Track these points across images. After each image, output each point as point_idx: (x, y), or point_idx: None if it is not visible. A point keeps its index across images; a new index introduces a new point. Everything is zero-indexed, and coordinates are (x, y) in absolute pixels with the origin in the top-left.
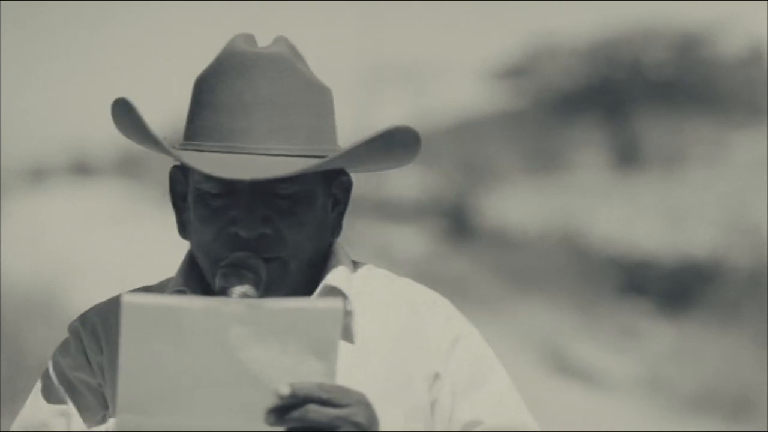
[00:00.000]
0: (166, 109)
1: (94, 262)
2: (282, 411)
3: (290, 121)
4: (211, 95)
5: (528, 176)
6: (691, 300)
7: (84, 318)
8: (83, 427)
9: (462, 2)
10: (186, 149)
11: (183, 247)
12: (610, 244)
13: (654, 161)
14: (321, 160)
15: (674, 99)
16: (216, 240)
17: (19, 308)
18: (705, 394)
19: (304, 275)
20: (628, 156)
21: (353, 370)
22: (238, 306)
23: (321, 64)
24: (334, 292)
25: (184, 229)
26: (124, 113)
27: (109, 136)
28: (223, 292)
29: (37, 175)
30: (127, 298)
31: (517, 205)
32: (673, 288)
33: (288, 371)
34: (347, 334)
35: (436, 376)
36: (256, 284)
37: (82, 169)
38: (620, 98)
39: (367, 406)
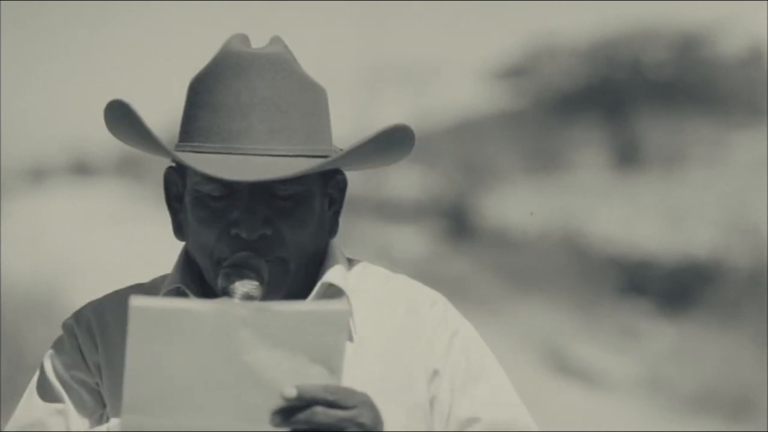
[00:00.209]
0: (166, 109)
1: (94, 262)
2: (288, 413)
3: (289, 122)
4: (209, 96)
5: (528, 176)
6: (691, 300)
7: (78, 316)
8: (81, 425)
9: (462, 2)
10: (183, 151)
11: (182, 247)
12: (610, 244)
13: (654, 161)
14: (324, 161)
15: (674, 99)
16: (217, 242)
17: (19, 308)
18: (705, 394)
19: (303, 275)
20: (628, 156)
21: (351, 369)
22: (244, 309)
23: (321, 64)
24: (331, 289)
25: (180, 231)
26: (122, 116)
27: (109, 137)
28: (226, 291)
29: (37, 175)
30: (134, 302)
31: (517, 205)
32: (673, 288)
33: (294, 373)
34: None
35: (435, 372)
36: (259, 284)
37: (82, 169)
38: (620, 98)
39: (372, 407)
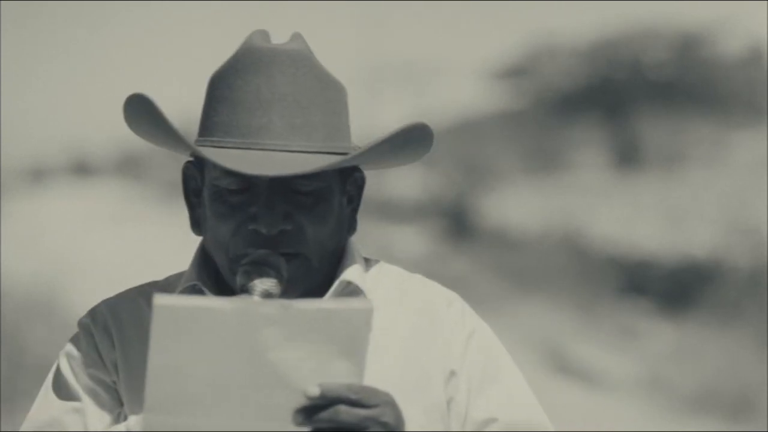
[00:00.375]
0: (166, 109)
1: (94, 262)
2: (311, 411)
3: (308, 118)
4: (229, 91)
5: (528, 176)
6: (691, 300)
7: (94, 314)
8: (98, 424)
9: (462, 2)
10: (203, 145)
11: (182, 246)
12: (610, 244)
13: (654, 161)
14: (343, 157)
15: (674, 99)
16: (234, 236)
17: (19, 308)
18: (705, 394)
19: (322, 272)
20: (628, 156)
21: (367, 368)
22: (269, 307)
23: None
24: (349, 287)
25: (197, 226)
26: (143, 110)
27: (109, 136)
28: (245, 289)
29: (37, 175)
30: (158, 300)
31: (517, 205)
32: (673, 288)
33: (317, 372)
34: None
35: (452, 373)
36: (278, 282)
37: (82, 169)
38: (620, 98)
39: (394, 407)
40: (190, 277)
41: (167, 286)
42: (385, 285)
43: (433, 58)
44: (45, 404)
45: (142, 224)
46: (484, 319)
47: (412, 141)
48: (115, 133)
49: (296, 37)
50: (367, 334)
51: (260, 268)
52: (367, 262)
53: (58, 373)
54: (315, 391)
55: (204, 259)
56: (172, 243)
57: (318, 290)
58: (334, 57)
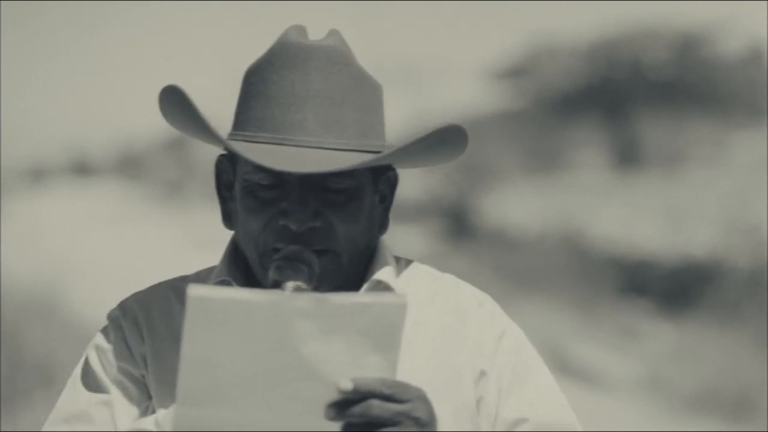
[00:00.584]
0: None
1: (94, 262)
2: (343, 406)
3: (342, 116)
4: (264, 86)
5: (528, 176)
6: (691, 300)
7: (124, 307)
8: (126, 417)
9: (462, 2)
10: (236, 139)
11: (182, 246)
12: (610, 244)
13: (654, 161)
14: (376, 156)
15: (674, 99)
16: (264, 231)
17: (19, 308)
18: (705, 394)
19: (353, 270)
20: (628, 156)
21: (399, 366)
22: (302, 300)
23: None
24: (380, 286)
25: (228, 219)
26: (177, 103)
27: (109, 136)
28: (276, 284)
29: (37, 175)
30: (192, 291)
31: (517, 205)
32: (673, 288)
33: (350, 366)
34: None
35: (483, 373)
36: (310, 278)
37: (82, 169)
38: (620, 98)
39: (426, 402)
40: (221, 272)
41: (197, 280)
42: (417, 285)
43: (433, 58)
44: (73, 396)
45: (142, 224)
46: None
47: (445, 142)
48: (115, 133)
49: (333, 33)
50: (401, 328)
51: (292, 264)
52: (399, 262)
53: (87, 366)
54: (348, 385)
55: (235, 254)
56: (172, 243)
57: (349, 289)
58: None
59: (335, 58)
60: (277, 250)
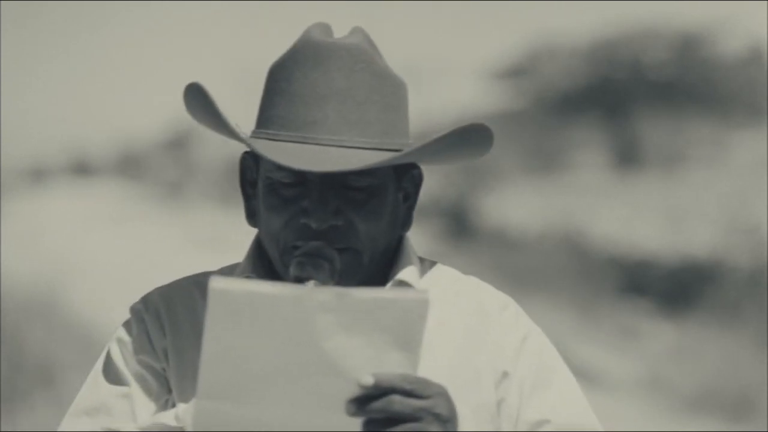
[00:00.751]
0: (166, 109)
1: (94, 262)
2: (364, 401)
3: (364, 114)
4: (286, 84)
5: (528, 176)
6: (691, 300)
7: (146, 301)
8: (146, 410)
9: (462, 2)
10: (259, 137)
11: (182, 246)
12: (610, 244)
13: (654, 161)
14: (396, 154)
15: (674, 99)
16: (285, 228)
17: (19, 308)
18: (705, 394)
19: (375, 268)
20: (628, 156)
21: (420, 365)
22: (325, 294)
23: None
24: (403, 287)
25: (252, 216)
26: (198, 99)
27: (109, 136)
28: (298, 280)
29: (37, 175)
30: (214, 284)
31: (517, 205)
32: (673, 288)
33: (371, 361)
34: None
35: (505, 374)
36: (331, 274)
37: (82, 169)
38: (620, 98)
39: (448, 399)
40: (245, 269)
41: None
42: (440, 285)
43: (434, 58)
44: (93, 388)
45: (142, 224)
46: None
47: (469, 142)
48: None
49: (356, 31)
50: (423, 325)
51: (314, 260)
52: (422, 262)
53: (108, 358)
54: (369, 380)
55: (259, 251)
56: (172, 243)
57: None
58: None
59: (358, 56)
60: (297, 247)
